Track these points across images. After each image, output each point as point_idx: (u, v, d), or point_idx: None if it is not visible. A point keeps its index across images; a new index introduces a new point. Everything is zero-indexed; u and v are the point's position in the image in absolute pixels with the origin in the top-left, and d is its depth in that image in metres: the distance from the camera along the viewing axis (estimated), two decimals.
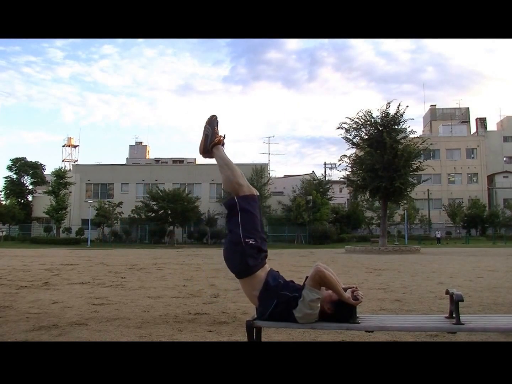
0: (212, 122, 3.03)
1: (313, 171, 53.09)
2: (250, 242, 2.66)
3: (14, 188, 45.79)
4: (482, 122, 57.18)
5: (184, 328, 4.20)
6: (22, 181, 47.46)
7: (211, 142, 2.98)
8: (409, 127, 25.88)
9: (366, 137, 25.65)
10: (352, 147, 26.42)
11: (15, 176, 46.81)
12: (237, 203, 2.75)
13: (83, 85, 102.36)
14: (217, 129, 3.02)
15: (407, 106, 27.80)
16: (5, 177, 46.43)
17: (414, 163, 25.28)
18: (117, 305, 5.55)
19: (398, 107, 25.07)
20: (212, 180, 44.40)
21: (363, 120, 25.25)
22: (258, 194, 2.90)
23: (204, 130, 3.03)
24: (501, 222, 45.07)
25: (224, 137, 3.02)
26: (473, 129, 58.13)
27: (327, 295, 2.65)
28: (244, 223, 2.70)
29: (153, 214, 38.70)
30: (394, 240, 36.58)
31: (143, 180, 45.11)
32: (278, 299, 2.62)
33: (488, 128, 57.35)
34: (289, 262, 14.60)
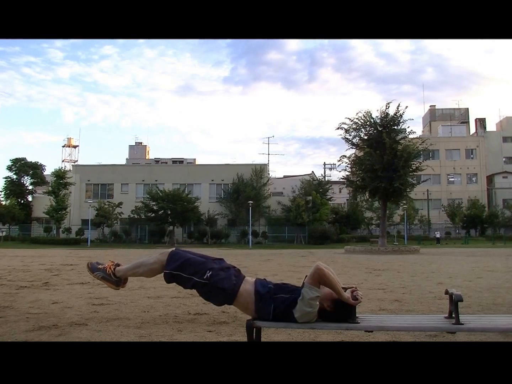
0: (93, 267, 2.99)
1: (312, 172, 53.20)
2: (208, 274, 2.68)
3: (14, 188, 45.82)
4: (481, 122, 57.18)
5: (184, 328, 4.20)
6: (22, 181, 47.50)
7: (110, 275, 2.94)
8: (408, 127, 25.88)
9: (366, 137, 25.65)
10: (352, 148, 26.44)
11: (15, 177, 46.86)
12: (169, 271, 2.74)
13: (83, 86, 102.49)
14: (99, 265, 2.99)
15: (407, 107, 27.90)
16: (5, 177, 46.57)
17: (413, 164, 25.28)
18: (117, 305, 5.55)
19: (398, 108, 25.10)
20: (212, 180, 44.44)
21: (362, 121, 25.26)
22: (173, 248, 2.91)
23: (97, 278, 2.98)
24: (501, 223, 45.11)
25: (113, 262, 2.99)
26: (473, 129, 58.15)
27: (327, 293, 2.65)
28: (190, 272, 2.71)
29: (153, 214, 38.72)
30: (393, 241, 36.60)
31: (143, 181, 45.11)
32: (274, 303, 2.63)
33: (488, 129, 57.38)
34: (288, 263, 14.60)
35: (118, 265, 2.98)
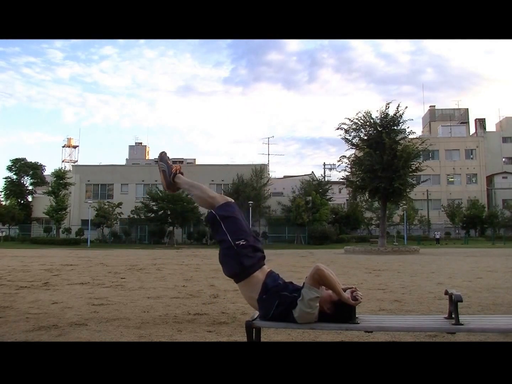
0: (163, 158, 3.16)
1: (312, 172, 53.15)
2: (241, 243, 2.68)
3: (14, 188, 45.80)
4: (481, 123, 57.16)
5: (184, 328, 4.20)
6: (22, 181, 47.46)
7: (170, 174, 3.09)
8: (408, 127, 25.87)
9: (366, 137, 25.64)
10: (352, 148, 26.44)
11: (15, 177, 46.81)
12: (216, 214, 2.79)
13: (83, 86, 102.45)
14: (170, 162, 3.15)
15: (406, 107, 27.69)
16: (5, 178, 46.50)
17: (413, 164, 25.26)
18: (116, 306, 5.55)
19: (397, 108, 25.09)
20: (212, 180, 44.41)
21: (362, 121, 25.26)
22: (232, 200, 2.94)
23: (160, 168, 3.14)
24: (500, 223, 45.10)
25: (180, 167, 3.14)
26: (472, 130, 58.14)
27: (326, 295, 2.65)
28: (229, 228, 2.72)
29: (153, 215, 38.70)
30: (393, 241, 36.56)
31: (143, 181, 45.08)
32: (279, 300, 2.61)
33: (487, 129, 57.34)
34: (288, 263, 14.60)
35: (181, 173, 3.11)
